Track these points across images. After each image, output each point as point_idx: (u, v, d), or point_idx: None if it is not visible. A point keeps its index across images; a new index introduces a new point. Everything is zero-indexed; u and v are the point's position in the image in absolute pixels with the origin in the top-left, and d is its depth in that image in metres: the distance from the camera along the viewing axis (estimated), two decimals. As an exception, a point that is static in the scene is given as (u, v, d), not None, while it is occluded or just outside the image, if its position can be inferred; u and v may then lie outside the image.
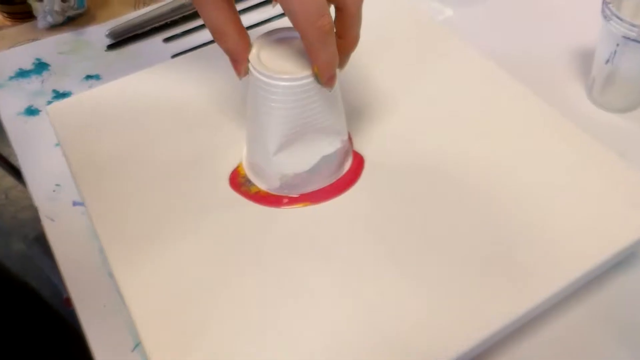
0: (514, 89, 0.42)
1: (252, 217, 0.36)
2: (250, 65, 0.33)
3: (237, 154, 0.39)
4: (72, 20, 0.59)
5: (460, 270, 0.33)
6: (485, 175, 0.37)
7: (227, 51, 0.33)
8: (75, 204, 0.43)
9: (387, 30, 0.47)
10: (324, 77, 0.32)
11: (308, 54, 0.31)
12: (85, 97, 0.43)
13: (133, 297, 0.32)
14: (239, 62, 0.33)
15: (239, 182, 0.37)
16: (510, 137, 0.39)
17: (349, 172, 0.37)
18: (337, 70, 0.33)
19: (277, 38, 0.34)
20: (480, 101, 0.42)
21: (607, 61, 0.44)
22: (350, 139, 0.39)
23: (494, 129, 0.40)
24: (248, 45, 0.33)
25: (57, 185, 0.44)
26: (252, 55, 0.33)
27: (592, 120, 0.47)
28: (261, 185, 0.37)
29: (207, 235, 0.35)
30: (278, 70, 0.32)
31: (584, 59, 0.52)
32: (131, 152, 0.39)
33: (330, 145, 0.36)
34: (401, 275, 0.32)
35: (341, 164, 0.37)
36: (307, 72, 0.32)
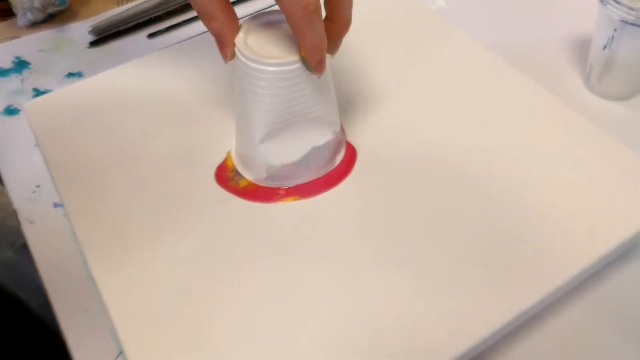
0: (513, 78, 0.41)
1: (241, 214, 0.34)
2: (236, 49, 0.31)
3: (224, 149, 0.37)
4: (53, 17, 0.58)
5: (461, 265, 0.31)
6: (486, 166, 0.36)
7: (213, 32, 0.31)
8: (56, 205, 0.41)
9: (382, 19, 0.46)
10: (312, 62, 0.30)
11: (295, 37, 0.30)
12: (64, 94, 0.41)
13: (114, 302, 0.30)
14: (225, 45, 0.31)
15: (226, 177, 0.35)
16: (511, 127, 0.38)
17: (341, 164, 0.36)
18: (329, 57, 0.32)
19: (265, 21, 0.33)
20: (479, 91, 0.40)
21: (605, 47, 0.43)
22: (343, 130, 0.37)
23: (495, 119, 0.38)
24: (235, 27, 0.31)
25: (37, 186, 0.42)
26: (239, 38, 0.31)
27: (590, 109, 0.46)
28: (248, 176, 0.35)
29: (193, 235, 0.33)
30: (265, 55, 0.31)
31: (580, 47, 0.50)
32: (113, 149, 0.37)
33: (322, 137, 0.34)
34: (399, 272, 0.31)
35: (333, 156, 0.36)
36: (295, 57, 0.30)
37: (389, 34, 0.45)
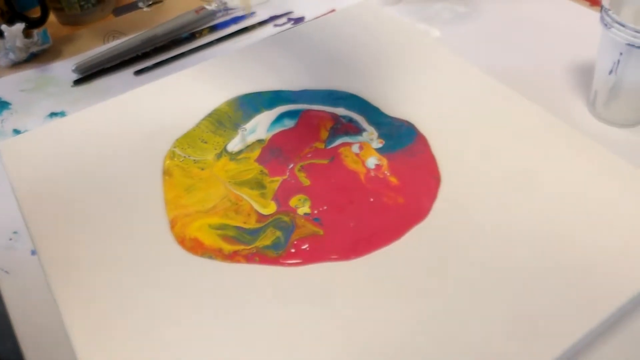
0: (531, 110, 0.39)
1: (243, 278, 0.30)
2: None
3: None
4: (37, 57, 0.56)
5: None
6: (523, 203, 0.33)
7: None
8: (34, 252, 0.38)
9: (390, 50, 0.44)
10: None
11: None
12: (42, 133, 0.38)
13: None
14: None
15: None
16: (536, 158, 0.36)
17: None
18: None
19: None
20: (499, 124, 0.38)
21: (611, 72, 0.41)
22: None
23: (520, 151, 0.36)
24: None
25: (15, 232, 0.39)
26: None
27: (597, 137, 0.44)
28: None
29: (182, 292, 0.30)
30: None
31: (582, 73, 0.49)
32: (93, 192, 0.35)
33: None
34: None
35: None
36: None
37: (398, 68, 0.43)
